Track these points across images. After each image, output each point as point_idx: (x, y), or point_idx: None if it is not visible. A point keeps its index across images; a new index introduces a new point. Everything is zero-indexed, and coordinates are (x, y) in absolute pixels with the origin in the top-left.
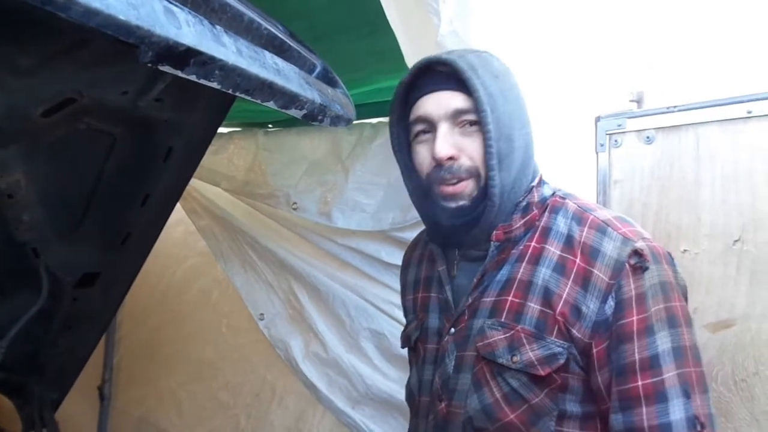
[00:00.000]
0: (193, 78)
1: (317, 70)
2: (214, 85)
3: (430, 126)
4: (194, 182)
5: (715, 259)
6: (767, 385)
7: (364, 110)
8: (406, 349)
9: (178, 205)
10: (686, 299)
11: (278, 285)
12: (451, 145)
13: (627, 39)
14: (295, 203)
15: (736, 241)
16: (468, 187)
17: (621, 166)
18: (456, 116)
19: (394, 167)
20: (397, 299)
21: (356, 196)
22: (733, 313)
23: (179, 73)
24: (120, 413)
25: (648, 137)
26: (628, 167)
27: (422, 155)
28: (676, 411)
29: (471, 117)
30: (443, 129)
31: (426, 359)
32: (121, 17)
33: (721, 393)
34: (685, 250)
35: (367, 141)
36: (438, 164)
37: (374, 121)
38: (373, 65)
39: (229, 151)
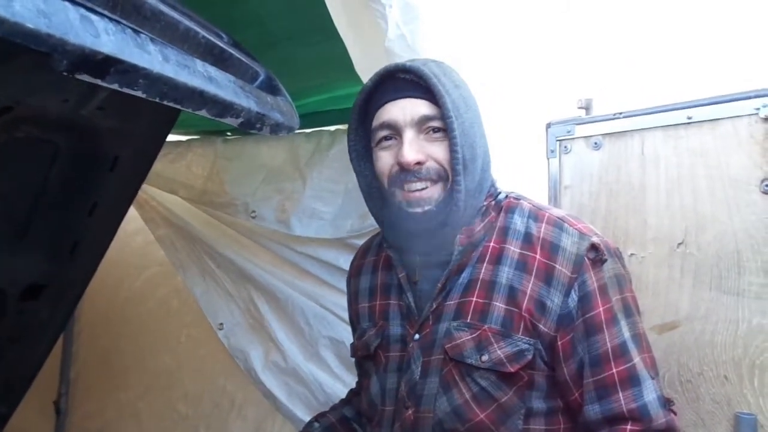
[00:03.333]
0: (115, 87)
1: (260, 78)
2: (139, 93)
3: (395, 132)
4: (152, 191)
5: (661, 262)
6: (711, 385)
7: (322, 118)
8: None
9: (137, 215)
10: None
11: (238, 294)
12: (417, 150)
13: (575, 47)
14: (253, 211)
15: (679, 244)
16: (435, 192)
17: (571, 171)
18: (422, 123)
19: (352, 175)
20: None
21: (314, 203)
22: (678, 315)
23: (99, 82)
24: (77, 427)
25: (596, 143)
26: (578, 173)
27: (384, 160)
28: (650, 392)
29: (436, 124)
30: (409, 135)
31: (388, 367)
32: (29, 25)
33: (667, 394)
34: (632, 254)
35: (325, 149)
36: (403, 169)
37: (332, 128)
38: (329, 73)
39: (188, 159)
